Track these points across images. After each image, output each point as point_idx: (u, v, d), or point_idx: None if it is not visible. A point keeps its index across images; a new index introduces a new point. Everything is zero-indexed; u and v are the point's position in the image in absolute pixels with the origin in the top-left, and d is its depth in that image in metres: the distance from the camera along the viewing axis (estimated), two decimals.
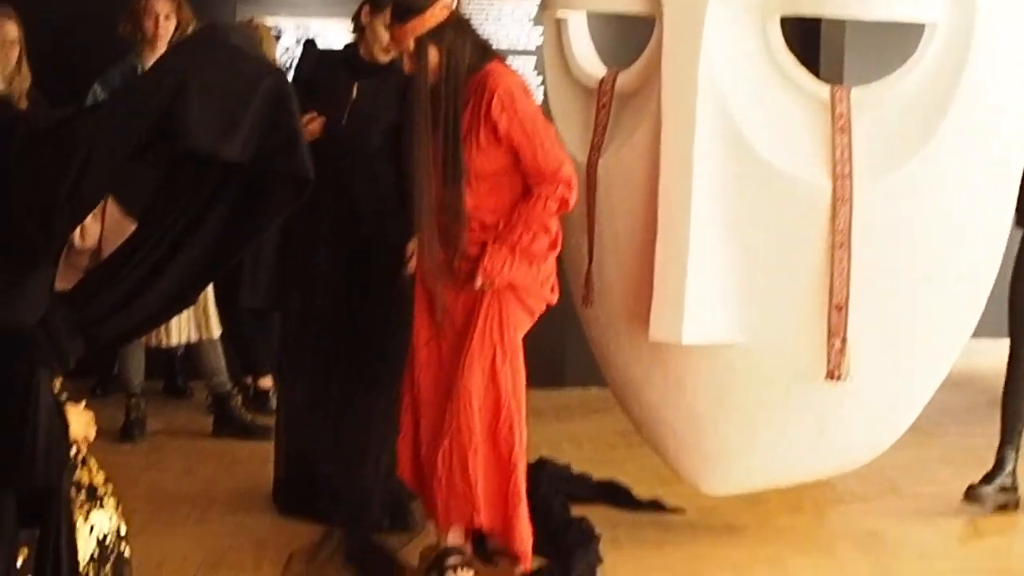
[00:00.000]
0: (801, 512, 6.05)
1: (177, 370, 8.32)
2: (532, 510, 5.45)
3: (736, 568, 5.34)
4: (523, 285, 4.95)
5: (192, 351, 7.47)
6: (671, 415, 5.42)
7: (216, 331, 7.29)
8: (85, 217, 3.03)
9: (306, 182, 2.99)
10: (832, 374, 5.09)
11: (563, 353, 8.30)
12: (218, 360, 7.38)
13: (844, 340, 5.05)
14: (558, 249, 5.06)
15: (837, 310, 5.03)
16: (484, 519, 5.01)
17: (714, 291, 5.02)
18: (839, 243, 4.97)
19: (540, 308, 5.07)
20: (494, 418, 4.98)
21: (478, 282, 4.91)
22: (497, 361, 4.95)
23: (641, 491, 6.18)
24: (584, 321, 5.79)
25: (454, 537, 5.10)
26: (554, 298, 5.13)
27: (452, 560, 5.05)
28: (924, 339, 5.29)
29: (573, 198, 4.94)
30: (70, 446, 2.94)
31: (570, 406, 8.05)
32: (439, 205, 4.94)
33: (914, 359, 5.32)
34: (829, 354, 5.08)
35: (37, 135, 2.73)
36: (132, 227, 6.08)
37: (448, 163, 4.89)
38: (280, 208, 3.05)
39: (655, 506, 6.05)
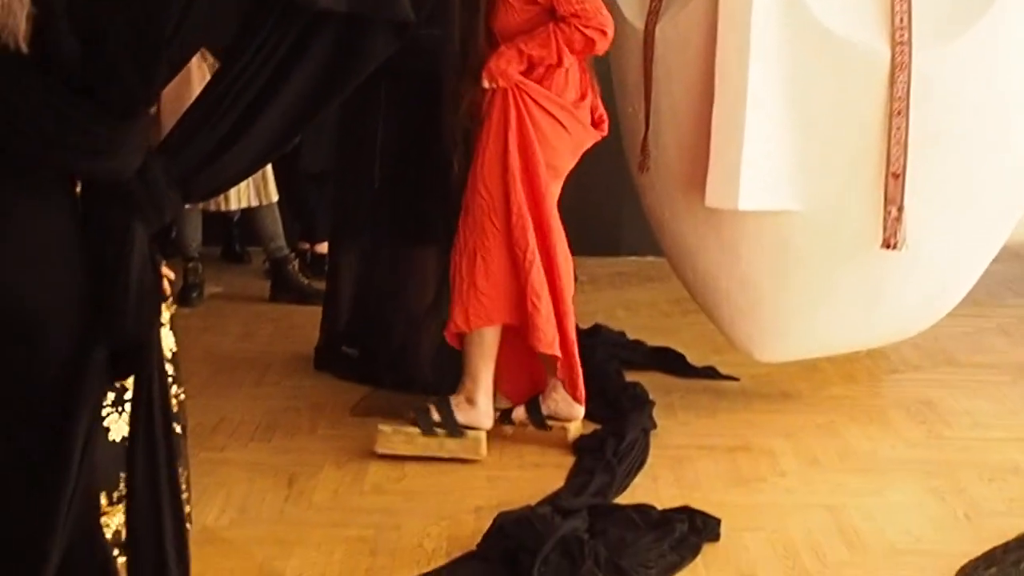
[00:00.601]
0: (855, 381, 6.06)
1: (235, 235, 8.37)
2: (587, 376, 5.50)
3: (789, 435, 5.36)
4: (535, 88, 4.98)
5: (250, 216, 7.51)
6: (726, 282, 5.42)
7: (274, 196, 7.32)
8: (183, 67, 3.02)
9: (406, 26, 2.97)
10: (888, 243, 5.06)
11: (619, 221, 8.30)
12: (276, 225, 7.42)
13: (901, 208, 5.02)
14: (587, 99, 5.09)
15: (894, 178, 4.99)
16: (506, 316, 5.11)
17: (770, 157, 4.98)
18: (897, 110, 4.93)
19: (572, 124, 5.06)
20: (507, 217, 5.04)
21: (484, 81, 4.99)
22: (509, 157, 5.00)
23: (695, 358, 6.20)
24: (640, 188, 5.77)
25: (482, 399, 5.18)
26: (603, 127, 5.19)
27: (428, 404, 5.20)
28: (981, 208, 5.26)
29: (602, 45, 4.96)
30: (161, 301, 2.95)
31: (626, 273, 8.07)
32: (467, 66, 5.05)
33: (971, 228, 5.29)
34: (885, 222, 5.05)
35: None
36: (189, 94, 6.10)
37: (469, 29, 4.97)
38: (380, 52, 3.02)
39: (709, 373, 6.08)
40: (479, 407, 5.18)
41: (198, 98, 2.92)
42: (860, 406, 5.72)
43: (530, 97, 4.99)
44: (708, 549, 4.34)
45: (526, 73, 4.99)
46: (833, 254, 5.18)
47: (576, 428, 5.26)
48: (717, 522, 4.44)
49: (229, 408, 5.65)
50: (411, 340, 5.82)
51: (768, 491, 4.86)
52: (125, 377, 3.03)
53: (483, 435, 5.17)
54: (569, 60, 4.98)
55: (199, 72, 6.31)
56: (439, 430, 5.14)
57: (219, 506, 4.65)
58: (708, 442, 5.30)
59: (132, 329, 2.83)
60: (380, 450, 5.15)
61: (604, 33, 4.94)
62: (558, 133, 5.04)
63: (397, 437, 5.17)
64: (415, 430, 5.16)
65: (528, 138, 4.99)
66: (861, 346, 5.84)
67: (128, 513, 3.00)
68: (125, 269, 2.79)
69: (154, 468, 2.95)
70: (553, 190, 5.10)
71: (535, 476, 4.97)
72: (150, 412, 2.93)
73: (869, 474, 5.01)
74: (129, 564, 3.01)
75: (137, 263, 2.80)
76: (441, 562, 4.27)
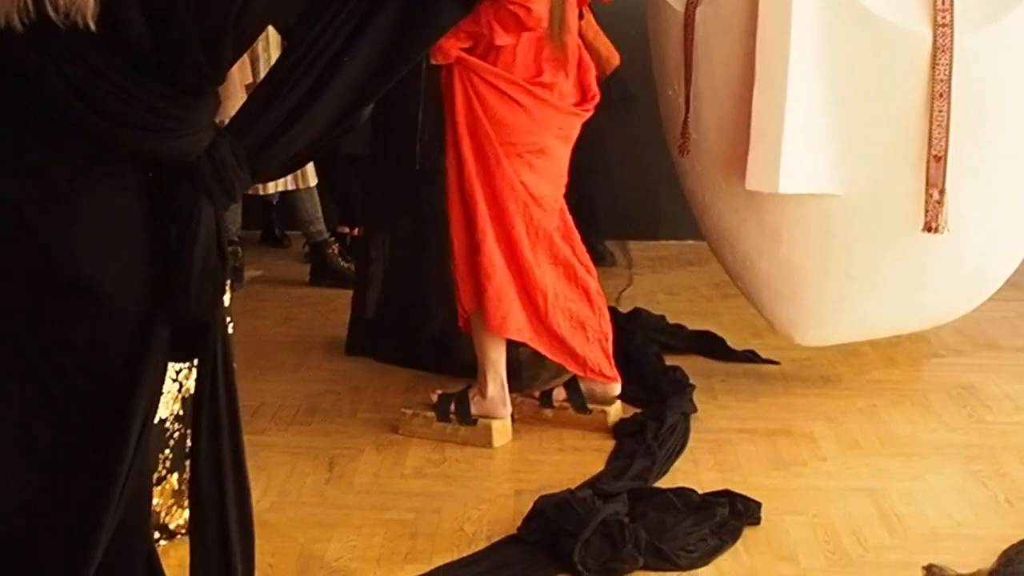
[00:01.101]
0: (896, 365, 6.04)
1: (274, 219, 8.40)
2: (627, 360, 5.50)
3: (829, 419, 5.34)
4: (477, 64, 4.93)
5: (288, 200, 7.53)
6: (766, 266, 5.40)
7: (312, 180, 7.34)
8: (250, 44, 3.03)
9: None
10: (929, 226, 5.04)
11: (659, 205, 8.29)
12: (315, 208, 7.44)
13: (942, 192, 5.00)
14: (543, 75, 5.01)
15: (936, 161, 4.97)
16: (472, 300, 5.15)
17: (811, 140, 4.97)
18: (938, 93, 4.90)
19: (529, 100, 4.97)
20: (461, 199, 5.07)
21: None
22: (459, 135, 4.99)
23: (735, 342, 6.19)
24: (680, 171, 5.76)
25: (491, 388, 5.20)
26: (588, 106, 5.14)
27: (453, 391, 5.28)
28: (1023, 191, 5.23)
29: (528, 21, 4.81)
30: (226, 282, 2.94)
31: (666, 258, 8.05)
32: None
33: (1013, 211, 5.27)
34: (927, 206, 5.03)
35: None
36: (240, 82, 6.09)
37: None
38: (445, 24, 3.03)
39: (749, 357, 6.06)
40: (490, 397, 5.19)
41: (265, 77, 2.94)
42: (901, 390, 5.71)
43: (474, 73, 4.94)
44: (749, 533, 4.34)
45: (471, 51, 4.97)
46: (874, 238, 5.16)
47: (616, 412, 5.27)
48: (758, 506, 4.44)
49: (269, 392, 5.66)
50: (452, 323, 5.83)
51: (809, 475, 4.85)
52: (187, 358, 3.04)
53: (497, 424, 5.17)
54: (505, 38, 4.89)
55: None
56: (453, 417, 5.17)
57: (260, 489, 4.65)
58: (749, 426, 5.29)
59: (195, 309, 2.84)
60: (401, 431, 5.22)
61: (528, 9, 4.81)
62: (511, 109, 4.96)
63: (416, 420, 5.23)
64: (433, 415, 5.20)
65: (476, 114, 4.96)
66: (902, 330, 5.82)
67: (192, 495, 3.01)
68: (190, 248, 2.80)
69: (218, 449, 2.96)
70: (521, 168, 5.02)
71: (575, 460, 4.97)
72: (214, 392, 2.94)
73: (910, 458, 5.00)
74: (193, 550, 3.02)
75: (203, 242, 2.81)
76: (482, 545, 4.27)
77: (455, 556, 4.20)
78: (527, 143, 5.02)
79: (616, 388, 5.29)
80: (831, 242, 5.22)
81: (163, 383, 2.97)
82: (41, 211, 2.72)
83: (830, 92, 4.96)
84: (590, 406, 5.27)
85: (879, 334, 5.75)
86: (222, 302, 2.96)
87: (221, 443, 2.95)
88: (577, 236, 5.28)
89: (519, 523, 4.31)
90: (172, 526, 4.18)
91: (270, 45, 6.79)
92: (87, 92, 2.63)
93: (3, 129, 2.70)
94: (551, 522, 4.21)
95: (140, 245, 2.82)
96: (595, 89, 5.16)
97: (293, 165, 3.08)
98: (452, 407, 5.18)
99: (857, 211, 5.12)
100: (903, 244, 5.18)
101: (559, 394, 5.31)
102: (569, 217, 5.26)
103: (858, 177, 5.05)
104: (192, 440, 2.99)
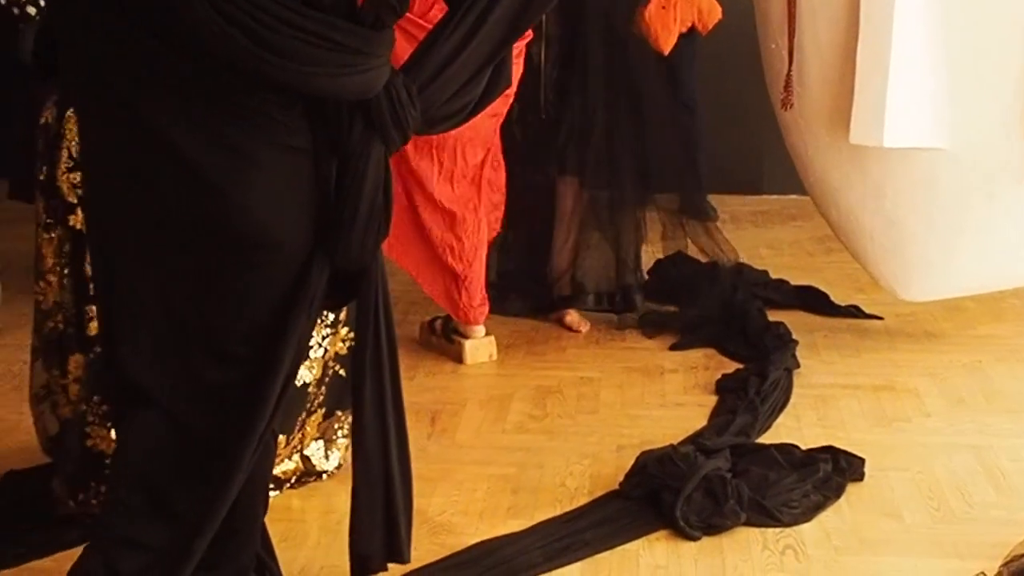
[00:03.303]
0: (1001, 320, 5.98)
1: None
2: (730, 314, 5.51)
3: (934, 374, 5.31)
4: None
5: None
6: (870, 220, 5.37)
7: None
8: None
9: None
10: None
11: (761, 160, 8.24)
12: None
13: None
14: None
15: None
16: None
17: (917, 93, 4.93)
18: None
19: (423, 35, 4.90)
20: None
21: None
22: None
23: (839, 297, 6.16)
24: (783, 125, 5.72)
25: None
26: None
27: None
28: None
29: None
30: (389, 225, 2.93)
31: (768, 212, 8.01)
32: None
33: None
34: None
35: None
36: None
37: None
38: None
39: (852, 312, 6.04)
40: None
41: (431, 29, 2.92)
42: (1007, 346, 5.66)
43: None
44: (852, 489, 4.32)
45: None
46: (980, 192, 5.12)
47: (472, 347, 5.57)
48: (861, 462, 4.42)
49: None
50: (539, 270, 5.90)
51: (913, 431, 4.82)
52: (344, 303, 3.05)
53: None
54: None
55: None
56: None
57: None
58: (852, 381, 5.27)
59: (358, 250, 2.85)
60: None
61: None
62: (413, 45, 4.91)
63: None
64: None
65: None
66: (1008, 285, 5.75)
67: (356, 437, 3.03)
68: (358, 188, 2.80)
69: (381, 391, 2.97)
70: None
71: (677, 415, 4.97)
72: (377, 334, 2.95)
73: (1016, 414, 4.95)
74: (355, 492, 3.04)
75: (371, 182, 2.81)
76: (583, 500, 4.29)
77: (557, 511, 4.21)
78: None
79: (475, 331, 5.55)
80: (936, 196, 5.18)
81: (311, 333, 2.98)
82: (218, 169, 2.72)
83: (935, 44, 4.91)
84: (454, 337, 5.58)
85: (984, 289, 5.69)
86: (379, 249, 2.96)
87: (384, 385, 2.97)
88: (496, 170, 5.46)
89: (621, 478, 4.31)
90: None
91: None
92: (266, 39, 2.60)
93: (186, 97, 2.70)
94: (653, 477, 4.21)
95: (308, 199, 2.82)
96: None
97: (458, 120, 3.04)
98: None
99: (962, 165, 5.07)
100: (1009, 198, 5.13)
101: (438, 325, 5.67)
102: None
103: (964, 130, 5.00)
104: (354, 383, 3.01)
